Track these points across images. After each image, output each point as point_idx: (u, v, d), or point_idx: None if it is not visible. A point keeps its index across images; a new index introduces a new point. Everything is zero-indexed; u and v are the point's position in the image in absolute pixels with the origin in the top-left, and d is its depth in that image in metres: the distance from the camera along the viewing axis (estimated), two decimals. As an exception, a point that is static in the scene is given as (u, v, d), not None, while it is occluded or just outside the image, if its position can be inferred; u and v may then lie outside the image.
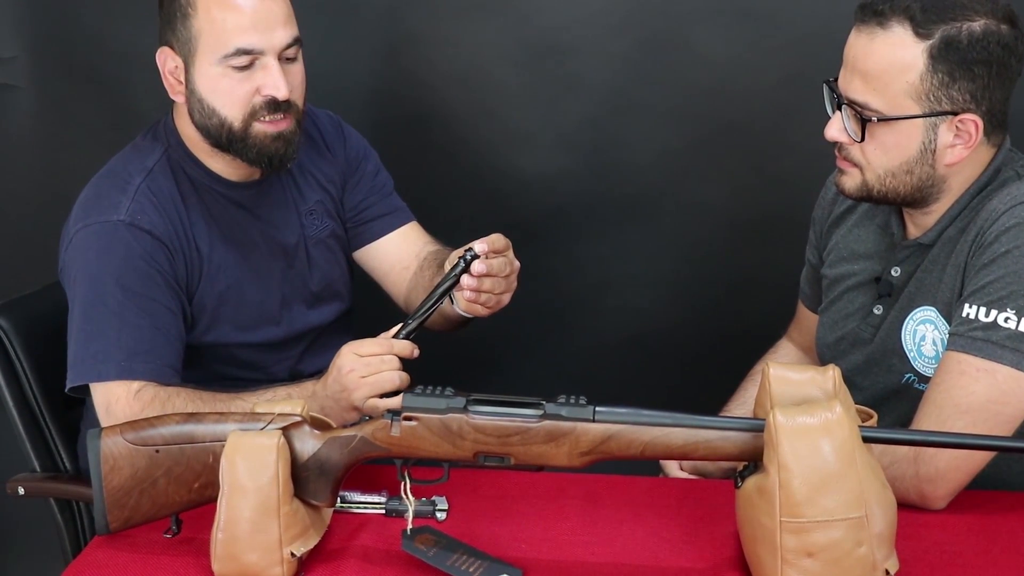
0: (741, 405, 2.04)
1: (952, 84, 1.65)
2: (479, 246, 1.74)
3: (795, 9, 2.45)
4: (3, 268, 2.68)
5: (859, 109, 1.69)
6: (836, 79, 1.75)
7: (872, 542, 1.37)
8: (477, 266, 1.73)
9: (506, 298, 1.83)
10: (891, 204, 1.79)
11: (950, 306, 1.71)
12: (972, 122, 1.67)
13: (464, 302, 1.81)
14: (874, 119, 1.68)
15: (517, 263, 1.83)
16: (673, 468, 1.96)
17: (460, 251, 1.77)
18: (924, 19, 1.64)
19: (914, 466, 1.61)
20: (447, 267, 1.81)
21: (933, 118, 1.67)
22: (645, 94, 2.53)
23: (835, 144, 1.76)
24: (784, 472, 1.37)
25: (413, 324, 1.74)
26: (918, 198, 1.74)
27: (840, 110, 1.73)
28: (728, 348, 2.43)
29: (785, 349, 2.15)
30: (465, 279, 1.74)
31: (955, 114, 1.67)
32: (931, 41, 1.64)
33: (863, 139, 1.70)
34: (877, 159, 1.72)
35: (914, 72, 1.65)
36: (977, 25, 1.64)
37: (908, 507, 1.55)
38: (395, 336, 1.74)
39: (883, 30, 1.66)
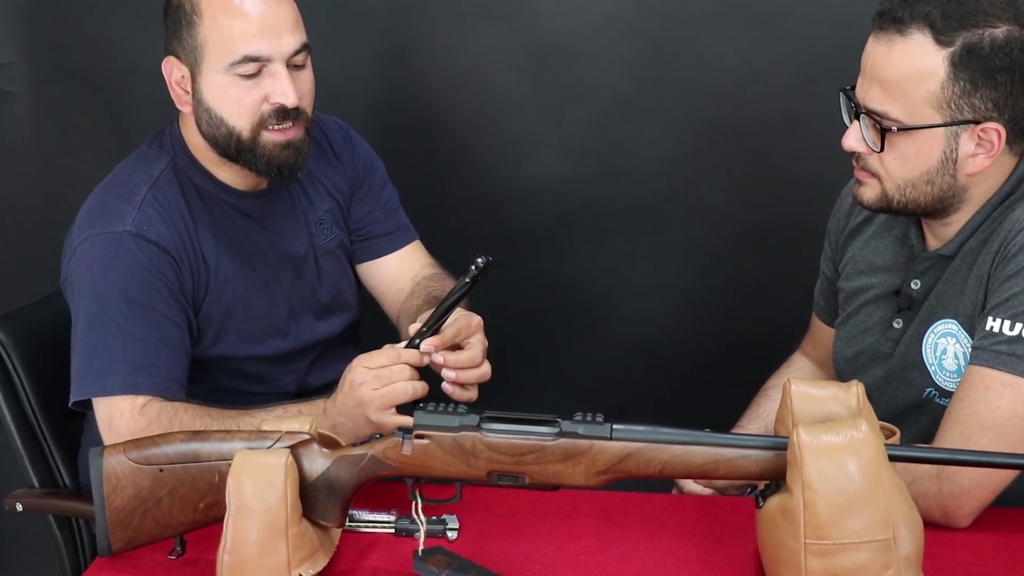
0: (755, 420, 2.00)
1: (974, 92, 1.61)
2: (424, 346, 1.69)
3: (804, 13, 2.42)
4: (1, 278, 2.63)
5: (878, 118, 1.65)
6: (853, 87, 1.71)
7: (900, 565, 1.34)
8: (434, 356, 1.69)
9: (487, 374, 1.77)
10: (910, 215, 1.75)
11: (972, 319, 1.67)
12: (995, 131, 1.63)
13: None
14: (894, 129, 1.64)
15: (485, 342, 1.77)
16: (688, 481, 1.92)
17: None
18: (945, 26, 1.60)
19: (937, 484, 1.57)
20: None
21: (954, 127, 1.63)
22: (652, 100, 2.50)
23: (852, 154, 1.72)
24: (809, 492, 1.34)
25: (416, 343, 1.70)
26: (938, 209, 1.71)
27: (858, 119, 1.69)
28: (738, 357, 2.41)
29: (799, 364, 2.11)
30: (447, 372, 1.70)
31: (977, 123, 1.63)
32: (952, 48, 1.60)
33: (882, 149, 1.66)
34: (897, 169, 1.68)
35: (935, 80, 1.61)
36: (999, 32, 1.60)
37: (932, 526, 1.51)
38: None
39: (902, 37, 1.62)
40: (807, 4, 2.42)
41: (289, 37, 1.82)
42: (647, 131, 2.52)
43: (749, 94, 2.47)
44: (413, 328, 1.73)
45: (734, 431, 1.95)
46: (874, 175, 1.70)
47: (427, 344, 1.69)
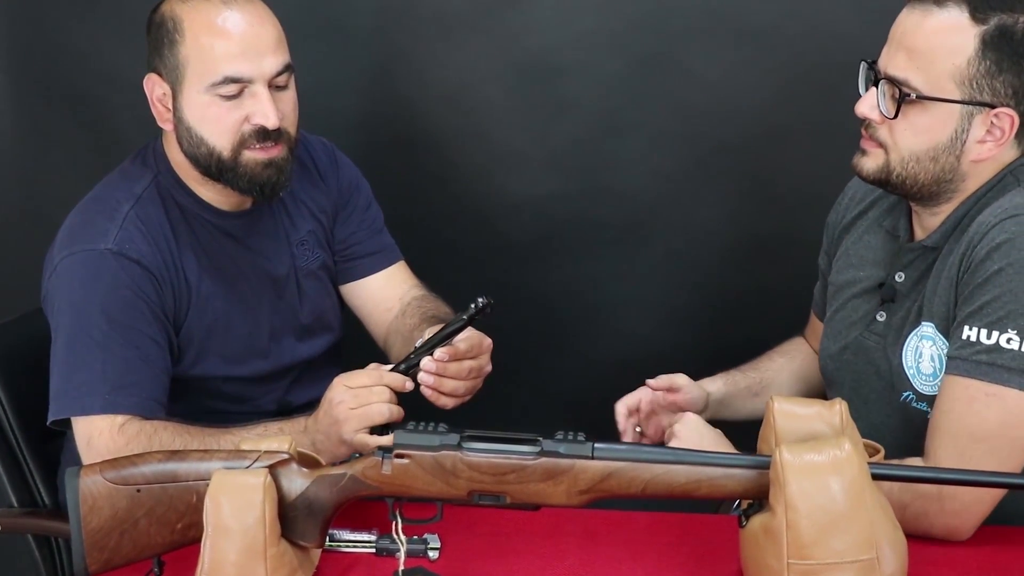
0: (753, 368, 2.02)
1: (998, 75, 1.62)
2: (438, 352, 1.68)
3: (790, 28, 2.42)
4: (-19, 295, 2.62)
5: (898, 84, 1.65)
6: (874, 61, 1.71)
7: (883, 584, 1.33)
8: (427, 363, 1.68)
9: (465, 397, 1.76)
10: (904, 194, 1.74)
11: (946, 321, 1.67)
12: (1008, 117, 1.64)
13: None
14: (912, 96, 1.64)
15: (489, 367, 1.77)
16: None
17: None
18: (983, 3, 1.61)
19: (939, 502, 1.57)
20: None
21: (970, 107, 1.63)
22: (637, 115, 2.50)
23: (862, 122, 1.72)
24: (791, 512, 1.33)
25: (402, 368, 1.69)
26: (934, 192, 1.70)
27: (876, 86, 1.69)
28: (724, 371, 2.39)
29: (799, 343, 2.11)
30: (423, 376, 1.68)
31: (993, 107, 1.63)
32: (986, 27, 1.61)
33: (896, 116, 1.66)
34: (905, 140, 1.68)
35: (962, 56, 1.62)
36: None
37: (918, 543, 1.50)
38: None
39: (939, 8, 1.63)
40: (792, 20, 2.42)
41: (271, 58, 1.81)
42: (632, 146, 2.51)
43: (734, 109, 2.47)
44: (421, 340, 1.73)
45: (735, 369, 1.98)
46: (881, 145, 1.70)
47: (440, 352, 1.68)
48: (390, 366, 1.70)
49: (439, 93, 2.52)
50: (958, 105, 1.64)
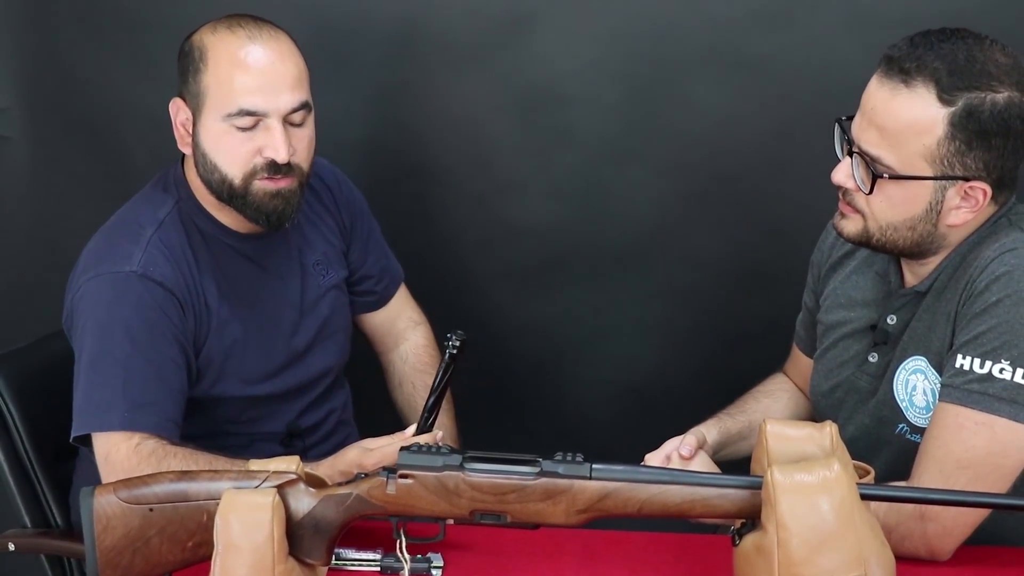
0: (741, 411, 2.03)
1: (968, 152, 1.63)
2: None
3: (790, 60, 2.44)
4: (-5, 321, 2.66)
5: (871, 161, 1.67)
6: (848, 118, 1.73)
7: (872, 601, 1.37)
8: None
9: None
10: (888, 253, 1.79)
11: (941, 356, 1.70)
12: (981, 190, 1.66)
13: None
14: (885, 176, 1.67)
15: None
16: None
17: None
18: (950, 84, 1.61)
19: (921, 525, 1.61)
20: None
21: (943, 181, 1.66)
22: (638, 145, 2.52)
23: (838, 187, 1.75)
24: (782, 531, 1.36)
25: (423, 425, 1.79)
26: (916, 252, 1.74)
27: (851, 156, 1.71)
28: (723, 399, 2.42)
29: (781, 380, 2.14)
30: None
31: (966, 179, 1.65)
32: (953, 108, 1.62)
33: (872, 191, 1.69)
34: (882, 212, 1.70)
35: (932, 137, 1.63)
36: (1001, 97, 1.62)
37: (905, 562, 1.53)
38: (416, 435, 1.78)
39: (907, 88, 1.64)
40: (791, 50, 2.44)
41: (288, 95, 1.86)
42: (634, 174, 2.53)
43: (734, 140, 2.48)
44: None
45: (720, 414, 2.00)
46: (858, 211, 1.73)
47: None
48: (412, 429, 1.81)
49: (443, 122, 2.54)
50: (931, 180, 1.66)
